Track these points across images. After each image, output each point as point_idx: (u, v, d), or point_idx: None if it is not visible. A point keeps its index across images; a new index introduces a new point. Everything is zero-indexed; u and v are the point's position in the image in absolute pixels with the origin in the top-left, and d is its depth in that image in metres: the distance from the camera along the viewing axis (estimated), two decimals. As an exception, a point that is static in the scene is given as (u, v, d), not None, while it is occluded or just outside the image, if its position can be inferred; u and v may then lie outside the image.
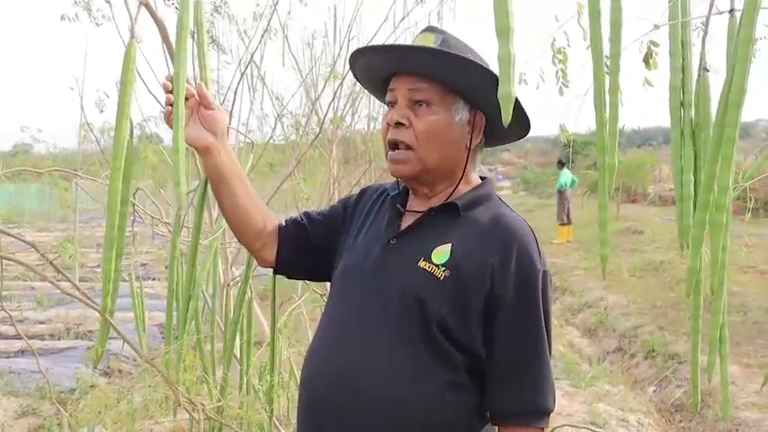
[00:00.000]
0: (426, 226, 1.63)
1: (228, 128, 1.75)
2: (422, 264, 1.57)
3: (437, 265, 1.55)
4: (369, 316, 1.61)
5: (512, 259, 1.53)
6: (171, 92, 1.55)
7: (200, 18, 1.74)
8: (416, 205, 1.70)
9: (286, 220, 1.87)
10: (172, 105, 1.54)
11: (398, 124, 1.59)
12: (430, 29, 1.64)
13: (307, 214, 1.91)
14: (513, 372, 1.57)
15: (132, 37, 1.53)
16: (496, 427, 1.66)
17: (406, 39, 6.74)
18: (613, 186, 1.22)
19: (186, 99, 1.57)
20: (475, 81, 1.57)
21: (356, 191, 1.82)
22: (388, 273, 1.62)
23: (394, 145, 1.61)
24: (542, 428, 1.58)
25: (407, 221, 1.68)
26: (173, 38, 1.80)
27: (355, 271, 1.69)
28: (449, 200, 1.64)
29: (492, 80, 1.54)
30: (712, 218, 1.13)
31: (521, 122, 1.64)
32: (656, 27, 1.19)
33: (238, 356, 2.50)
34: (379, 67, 1.68)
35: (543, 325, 1.56)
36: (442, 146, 1.60)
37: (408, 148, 1.59)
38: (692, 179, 1.20)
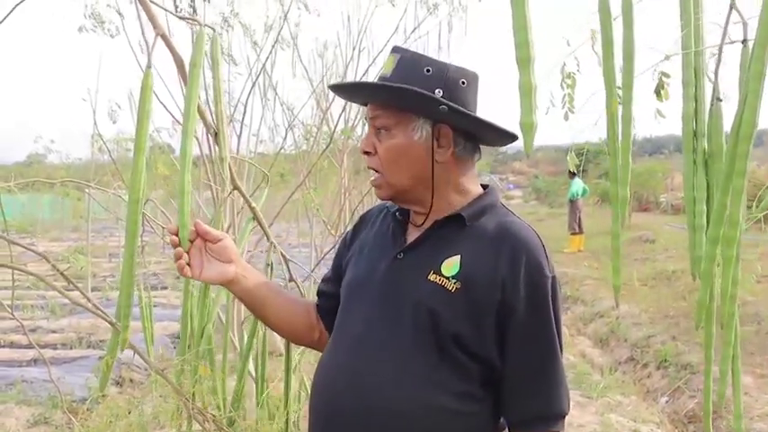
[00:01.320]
0: (433, 239, 1.63)
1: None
2: (432, 277, 1.57)
3: (447, 278, 1.55)
4: (379, 328, 1.61)
5: (521, 268, 1.53)
6: (179, 244, 1.65)
7: (216, 54, 1.75)
8: (418, 220, 1.70)
9: (317, 303, 1.91)
10: (180, 257, 1.65)
11: (365, 152, 1.65)
12: (395, 50, 1.66)
13: (323, 280, 1.95)
14: (528, 380, 1.57)
15: (149, 66, 1.54)
16: None
17: (417, 49, 6.74)
18: (625, 217, 1.22)
19: (191, 242, 1.66)
20: (422, 103, 1.57)
21: (367, 201, 1.84)
22: (398, 287, 1.62)
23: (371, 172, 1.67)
24: (557, 431, 1.59)
25: (413, 236, 1.68)
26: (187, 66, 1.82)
27: (362, 285, 1.70)
28: (452, 212, 1.64)
29: (413, 92, 1.54)
30: (723, 252, 1.13)
31: (504, 134, 1.63)
32: (667, 58, 1.19)
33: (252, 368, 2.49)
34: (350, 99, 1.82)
35: (555, 331, 1.57)
36: (407, 166, 1.61)
37: (378, 172, 1.64)
38: (705, 210, 1.19)
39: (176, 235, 1.65)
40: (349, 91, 1.83)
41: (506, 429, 1.66)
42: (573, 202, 16.41)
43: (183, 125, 1.61)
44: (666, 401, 6.28)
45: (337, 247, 1.97)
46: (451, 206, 1.65)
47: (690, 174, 1.20)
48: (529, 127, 0.98)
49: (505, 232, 1.59)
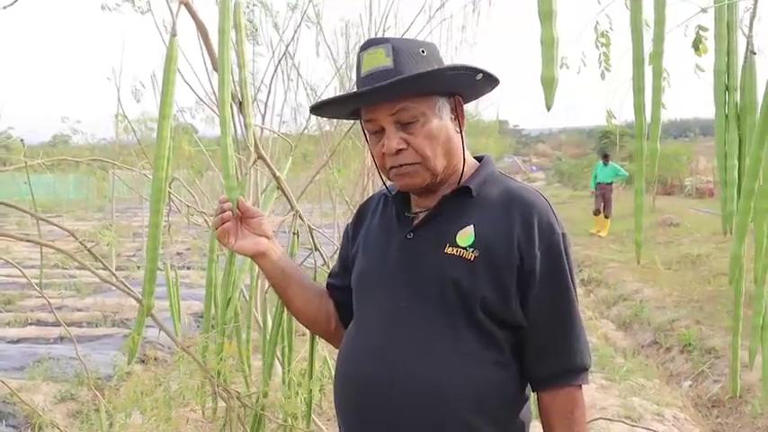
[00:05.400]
0: (442, 214, 1.65)
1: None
2: (449, 249, 1.59)
3: (464, 248, 1.57)
4: (403, 308, 1.62)
5: (534, 230, 1.56)
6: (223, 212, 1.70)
7: (239, 19, 1.75)
8: (422, 199, 1.71)
9: (329, 293, 1.92)
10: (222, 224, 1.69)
11: (398, 151, 1.59)
12: (373, 43, 1.62)
13: (331, 274, 1.97)
14: (551, 337, 1.61)
15: (174, 35, 1.54)
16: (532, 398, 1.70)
17: (440, 32, 6.69)
18: (655, 175, 1.19)
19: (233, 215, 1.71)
20: (442, 79, 1.58)
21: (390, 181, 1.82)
22: (414, 265, 1.63)
23: (398, 166, 1.62)
24: (580, 385, 1.62)
25: (419, 215, 1.70)
26: (211, 35, 1.81)
27: (375, 271, 1.71)
28: (457, 185, 1.66)
29: (453, 69, 1.57)
30: (758, 204, 1.10)
31: (490, 79, 1.64)
32: (704, 10, 1.16)
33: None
34: (345, 108, 1.71)
35: (571, 286, 1.60)
36: (444, 146, 1.62)
37: (415, 163, 1.60)
38: (737, 164, 1.17)
39: (224, 203, 1.69)
40: (367, 97, 1.59)
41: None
42: (609, 185, 16.15)
43: (218, 93, 1.62)
44: (690, 385, 6.25)
45: (341, 241, 1.99)
46: (457, 178, 1.67)
47: (721, 128, 1.17)
48: (549, 82, 0.96)
49: (513, 197, 1.62)
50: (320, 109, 1.76)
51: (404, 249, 1.66)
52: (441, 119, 1.61)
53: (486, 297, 1.55)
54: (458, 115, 1.66)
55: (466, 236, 1.59)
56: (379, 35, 5.45)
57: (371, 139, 1.67)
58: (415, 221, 1.69)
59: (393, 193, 1.77)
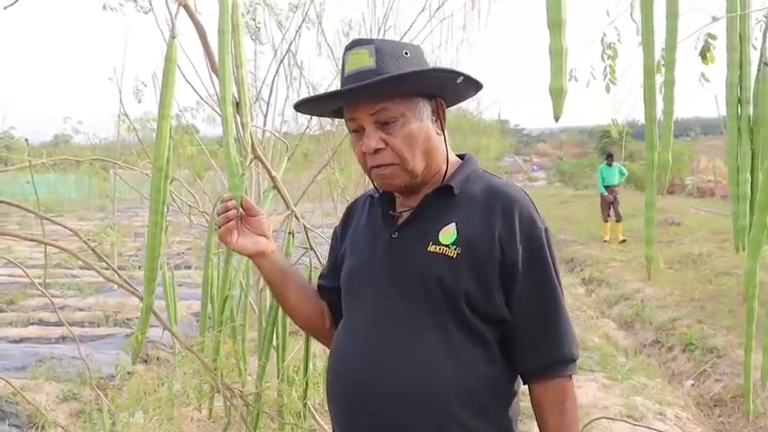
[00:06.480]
0: (425, 213, 1.67)
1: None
2: (431, 248, 1.60)
3: (447, 246, 1.59)
4: (389, 307, 1.64)
5: (515, 225, 1.58)
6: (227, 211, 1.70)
7: (236, 19, 1.75)
8: (406, 198, 1.73)
9: (320, 295, 1.93)
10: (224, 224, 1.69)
11: (377, 150, 1.61)
12: (357, 43, 1.64)
13: (321, 276, 1.97)
14: (536, 330, 1.62)
15: (173, 36, 1.55)
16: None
17: (441, 30, 6.70)
18: (666, 185, 1.19)
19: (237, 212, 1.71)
20: (425, 80, 1.61)
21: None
22: (399, 264, 1.65)
23: (377, 166, 1.65)
24: (570, 376, 1.64)
25: (403, 215, 1.72)
26: (210, 37, 1.82)
27: (362, 271, 1.73)
28: (439, 184, 1.68)
29: (433, 71, 1.60)
30: None
31: (472, 83, 1.66)
32: (715, 20, 1.15)
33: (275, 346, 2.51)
34: (328, 106, 1.74)
35: (556, 279, 1.62)
36: (423, 147, 1.63)
37: (393, 164, 1.62)
38: (749, 178, 1.16)
39: (228, 201, 1.70)
40: (347, 96, 1.62)
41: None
42: (617, 186, 15.43)
43: (219, 92, 1.63)
44: (692, 385, 6.25)
45: (331, 242, 2.00)
46: (440, 177, 1.70)
47: (734, 141, 1.16)
48: (558, 92, 0.96)
49: (494, 193, 1.64)
50: (303, 106, 1.78)
51: (389, 249, 1.68)
52: (421, 120, 1.63)
53: (469, 290, 1.57)
54: (439, 117, 1.68)
55: (448, 233, 1.60)
56: (380, 35, 5.46)
57: (353, 138, 1.69)
58: (400, 221, 1.71)
59: (379, 193, 1.79)
